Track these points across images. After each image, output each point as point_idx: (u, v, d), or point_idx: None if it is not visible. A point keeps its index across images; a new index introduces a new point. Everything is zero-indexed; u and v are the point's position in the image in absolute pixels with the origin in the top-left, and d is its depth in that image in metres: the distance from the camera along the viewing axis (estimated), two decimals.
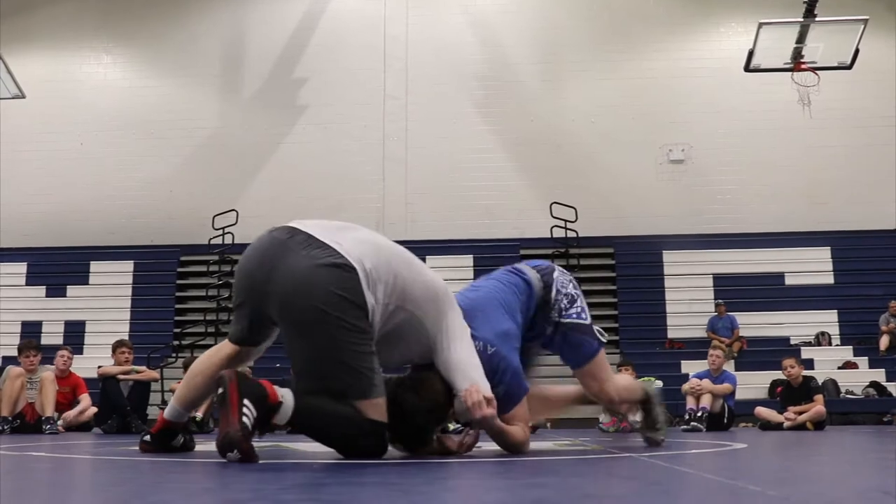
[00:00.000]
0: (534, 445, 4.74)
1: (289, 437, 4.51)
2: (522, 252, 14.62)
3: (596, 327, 3.61)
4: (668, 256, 14.83)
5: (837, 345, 13.63)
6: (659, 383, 9.90)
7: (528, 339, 3.57)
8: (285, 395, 2.91)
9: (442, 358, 3.16)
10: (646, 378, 10.09)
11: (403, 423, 3.06)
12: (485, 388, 3.13)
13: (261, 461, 2.88)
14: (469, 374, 3.12)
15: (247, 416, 2.80)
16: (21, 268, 15.30)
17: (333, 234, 3.11)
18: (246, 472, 2.54)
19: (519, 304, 3.48)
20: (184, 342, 14.08)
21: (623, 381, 3.72)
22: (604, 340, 3.58)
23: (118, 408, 8.69)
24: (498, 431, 3.28)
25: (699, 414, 8.75)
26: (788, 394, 9.15)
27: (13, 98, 13.86)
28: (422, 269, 3.24)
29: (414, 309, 3.14)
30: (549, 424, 10.77)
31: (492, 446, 4.61)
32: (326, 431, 3.04)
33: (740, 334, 13.55)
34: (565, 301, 3.52)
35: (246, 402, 2.81)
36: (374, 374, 3.00)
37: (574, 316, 3.49)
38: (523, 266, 3.66)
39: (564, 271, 3.69)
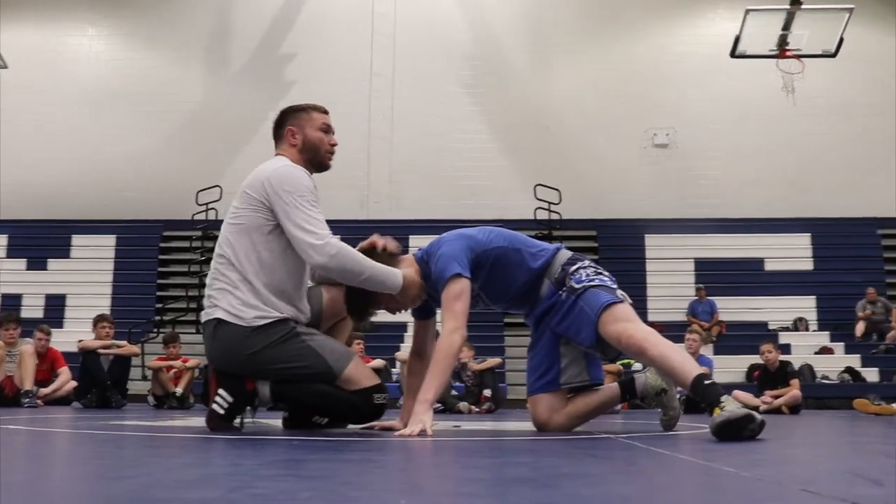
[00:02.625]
0: (514, 426, 4.77)
1: (272, 415, 4.51)
2: None
3: (621, 292, 3.47)
4: (651, 240, 14.89)
5: (815, 330, 13.76)
6: (638, 366, 9.96)
7: (528, 296, 3.61)
8: (262, 382, 3.39)
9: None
10: (625, 360, 10.16)
11: (348, 297, 3.48)
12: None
13: (242, 437, 2.94)
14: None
15: (218, 403, 3.37)
16: (1, 240, 15.18)
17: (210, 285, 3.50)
18: (226, 447, 2.55)
19: (525, 249, 3.59)
20: (165, 317, 14.04)
21: (661, 340, 3.28)
22: (622, 300, 3.40)
23: (98, 382, 8.66)
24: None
25: (678, 396, 8.80)
26: (765, 378, 9.23)
27: None
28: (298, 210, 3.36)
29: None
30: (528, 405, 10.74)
31: (472, 426, 4.64)
32: (315, 407, 3.49)
33: (720, 319, 13.64)
34: (589, 272, 3.52)
35: (221, 391, 3.38)
36: (323, 358, 3.37)
37: (597, 281, 3.47)
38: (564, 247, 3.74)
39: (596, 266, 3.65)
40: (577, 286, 3.49)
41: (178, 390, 9.26)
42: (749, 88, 14.93)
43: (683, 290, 14.23)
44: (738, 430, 2.81)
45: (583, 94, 15.56)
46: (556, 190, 14.42)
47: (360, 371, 3.44)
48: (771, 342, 9.59)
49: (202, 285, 14.36)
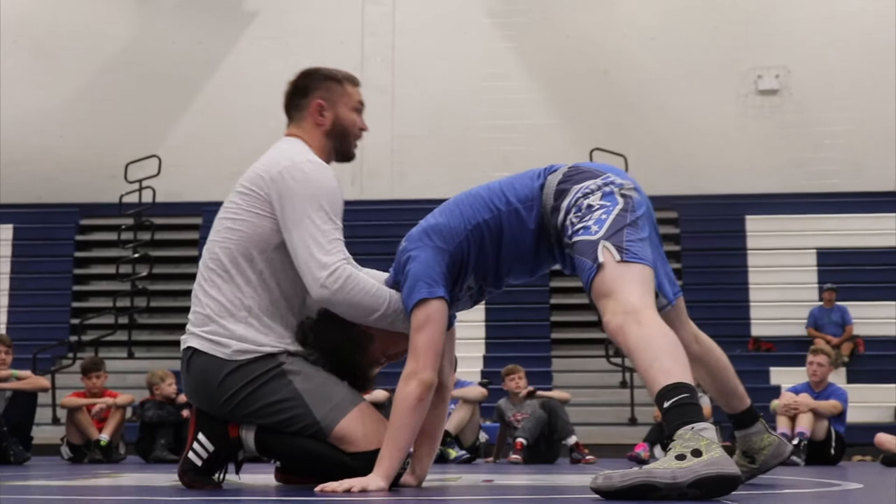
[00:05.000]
0: (569, 481, 4.72)
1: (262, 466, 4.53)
2: None
3: (607, 244, 3.29)
4: (754, 224, 14.81)
5: None
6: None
7: (528, 256, 3.62)
8: (247, 428, 3.65)
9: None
10: None
11: (335, 366, 3.66)
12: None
13: (208, 499, 3.09)
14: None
15: (197, 451, 3.65)
16: None
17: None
18: None
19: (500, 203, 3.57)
20: (84, 337, 14.06)
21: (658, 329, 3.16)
22: (601, 261, 3.26)
23: None
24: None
25: (796, 441, 8.75)
26: None
27: None
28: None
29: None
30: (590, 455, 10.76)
31: (515, 480, 4.60)
32: (305, 467, 3.69)
33: (854, 332, 13.54)
34: (573, 217, 3.43)
35: (200, 436, 3.66)
36: (309, 409, 3.54)
37: (581, 233, 3.37)
38: (559, 167, 3.63)
39: (607, 176, 3.49)
40: (568, 243, 3.46)
41: (104, 437, 9.25)
42: None
43: (802, 293, 14.15)
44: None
45: (655, 23, 15.51)
46: (622, 156, 14.33)
47: (361, 427, 3.55)
48: None
49: (136, 292, 14.39)
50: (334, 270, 3.46)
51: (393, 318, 3.54)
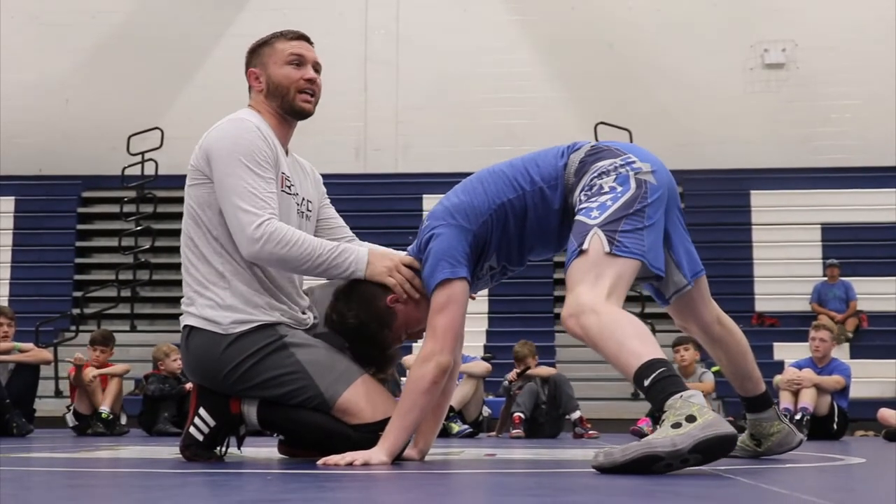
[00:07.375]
0: (571, 455, 4.75)
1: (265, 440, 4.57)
2: None
3: (599, 231, 3.28)
4: (759, 199, 14.80)
5: None
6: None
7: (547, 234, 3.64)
8: (248, 403, 3.69)
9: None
10: (716, 368, 10.11)
11: (354, 343, 3.67)
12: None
13: (201, 472, 3.06)
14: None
15: (198, 426, 3.70)
16: None
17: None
18: (176, 488, 2.55)
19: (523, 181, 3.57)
20: (87, 310, 14.10)
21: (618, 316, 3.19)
22: (585, 247, 3.27)
23: None
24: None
25: (798, 416, 8.78)
26: None
27: None
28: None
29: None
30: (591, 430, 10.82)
31: (515, 454, 4.64)
32: (307, 440, 3.77)
33: (858, 308, 13.56)
34: (581, 196, 3.45)
35: (201, 411, 3.71)
36: (313, 381, 3.58)
37: (582, 213, 3.38)
38: (582, 145, 3.61)
39: (627, 157, 3.45)
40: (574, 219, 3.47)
41: (104, 409, 9.28)
42: None
43: (806, 269, 14.15)
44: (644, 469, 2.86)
45: None
46: (626, 130, 14.33)
47: (364, 399, 3.60)
48: None
49: (138, 265, 14.42)
50: (259, 224, 3.50)
51: (326, 267, 3.56)
